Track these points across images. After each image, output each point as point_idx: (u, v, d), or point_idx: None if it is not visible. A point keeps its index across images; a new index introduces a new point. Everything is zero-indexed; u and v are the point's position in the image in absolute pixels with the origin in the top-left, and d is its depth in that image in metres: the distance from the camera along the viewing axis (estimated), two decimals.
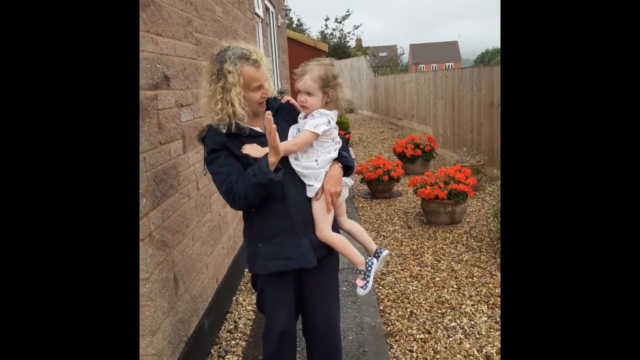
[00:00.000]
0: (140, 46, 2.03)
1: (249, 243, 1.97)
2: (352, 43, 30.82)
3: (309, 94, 1.86)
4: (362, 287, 2.02)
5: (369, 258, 2.04)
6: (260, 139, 1.86)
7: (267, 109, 1.92)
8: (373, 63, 27.69)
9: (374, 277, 2.04)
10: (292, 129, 1.94)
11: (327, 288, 2.01)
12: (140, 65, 2.01)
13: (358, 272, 2.04)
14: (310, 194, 1.87)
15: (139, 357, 1.64)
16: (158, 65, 2.21)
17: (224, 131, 1.82)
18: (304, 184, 1.87)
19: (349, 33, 30.39)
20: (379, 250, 2.09)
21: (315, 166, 1.86)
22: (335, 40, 28.60)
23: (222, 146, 1.83)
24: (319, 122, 1.83)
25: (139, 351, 1.95)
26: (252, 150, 1.81)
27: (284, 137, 1.87)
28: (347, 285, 3.66)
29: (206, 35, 3.07)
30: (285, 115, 1.97)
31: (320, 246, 1.91)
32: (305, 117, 1.90)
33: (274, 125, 1.65)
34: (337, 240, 1.95)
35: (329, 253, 1.97)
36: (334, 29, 30.32)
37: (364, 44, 36.13)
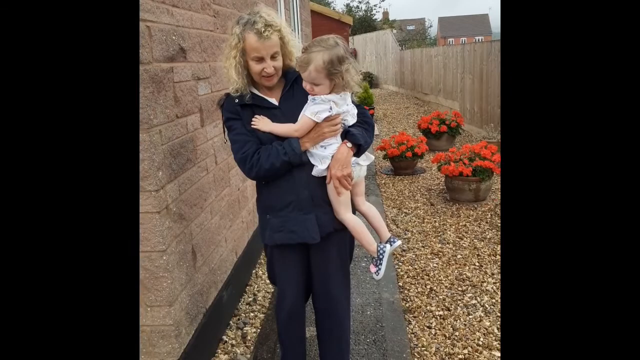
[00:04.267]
0: (155, 17, 2.00)
1: (260, 213, 2.00)
2: (378, 16, 30.16)
3: (315, 84, 1.76)
4: (375, 272, 2.01)
5: (381, 246, 2.00)
6: (272, 111, 1.84)
7: (286, 80, 1.89)
8: (400, 37, 27.09)
9: (386, 262, 2.01)
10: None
11: (330, 265, 1.98)
12: (154, 37, 1.98)
13: (372, 258, 2.03)
14: (314, 173, 1.82)
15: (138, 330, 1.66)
16: (174, 37, 2.18)
17: (236, 100, 1.82)
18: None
19: (375, 6, 29.75)
20: (392, 239, 2.03)
21: (322, 150, 1.82)
22: (361, 13, 28.03)
23: (237, 114, 1.84)
24: (319, 108, 1.76)
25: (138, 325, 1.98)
26: (260, 124, 1.80)
27: (301, 109, 1.83)
28: (365, 261, 3.65)
29: (225, 7, 3.02)
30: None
31: (327, 223, 1.87)
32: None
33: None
34: (352, 224, 1.93)
35: (337, 231, 1.92)
36: (360, 2, 29.70)
37: (391, 17, 35.31)
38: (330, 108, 1.77)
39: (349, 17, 15.47)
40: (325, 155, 1.82)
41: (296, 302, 2.04)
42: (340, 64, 1.73)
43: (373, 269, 2.01)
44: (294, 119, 1.82)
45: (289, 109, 1.84)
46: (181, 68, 2.27)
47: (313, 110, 1.76)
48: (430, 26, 46.78)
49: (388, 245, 2.01)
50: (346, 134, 1.85)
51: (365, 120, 1.96)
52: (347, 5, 28.90)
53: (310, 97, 1.81)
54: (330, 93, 1.79)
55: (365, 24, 26.63)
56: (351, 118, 1.88)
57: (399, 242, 2.04)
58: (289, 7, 6.31)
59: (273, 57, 1.78)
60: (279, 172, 1.81)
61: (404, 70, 16.11)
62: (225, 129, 1.90)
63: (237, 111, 1.84)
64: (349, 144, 1.83)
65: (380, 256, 1.99)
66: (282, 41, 1.81)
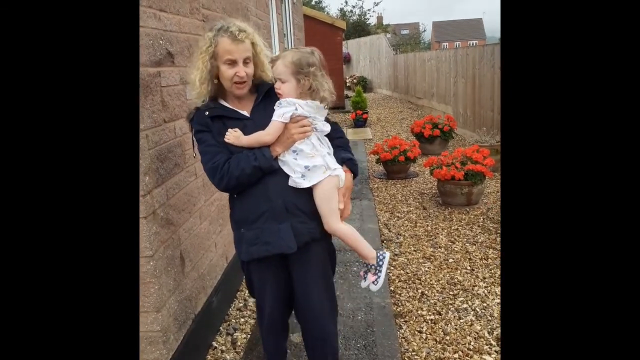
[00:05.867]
0: (142, 22, 1.99)
1: (234, 228, 1.93)
2: (372, 20, 30.29)
3: (282, 80, 1.78)
4: (373, 282, 1.91)
5: (381, 252, 1.94)
6: (243, 122, 1.81)
7: (257, 92, 1.88)
8: (394, 41, 27.20)
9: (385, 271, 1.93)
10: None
11: (310, 277, 1.91)
12: (142, 41, 1.98)
13: (369, 266, 1.93)
14: (291, 184, 1.79)
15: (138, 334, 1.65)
16: (161, 42, 2.18)
17: (206, 113, 1.80)
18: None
19: (369, 10, 29.86)
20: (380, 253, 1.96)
21: (294, 159, 1.79)
22: (355, 18, 28.12)
23: (206, 127, 1.81)
24: (285, 110, 1.76)
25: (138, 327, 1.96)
26: (232, 138, 1.77)
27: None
28: (357, 265, 3.64)
29: (214, 12, 3.02)
30: (276, 99, 1.86)
31: (303, 232, 1.81)
32: None
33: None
34: (346, 233, 1.87)
35: (315, 240, 1.86)
36: (353, 6, 29.80)
37: (385, 22, 35.47)
38: (296, 109, 1.76)
39: (342, 21, 15.49)
40: (297, 163, 1.78)
41: (276, 315, 1.99)
42: (309, 67, 1.76)
43: (372, 277, 1.92)
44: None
45: (261, 119, 1.81)
46: (169, 72, 2.26)
47: (279, 113, 1.76)
48: (424, 30, 47.01)
49: (387, 252, 1.96)
50: (344, 162, 1.88)
51: (343, 137, 1.98)
52: (341, 9, 29.01)
53: (276, 103, 1.80)
54: (298, 98, 1.79)
55: (359, 29, 26.70)
56: (322, 125, 1.85)
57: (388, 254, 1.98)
58: (281, 11, 6.32)
59: (245, 63, 1.78)
60: (250, 180, 1.76)
61: (397, 75, 16.16)
62: (195, 143, 1.87)
63: (207, 123, 1.80)
64: (350, 175, 1.90)
65: (380, 263, 1.91)
66: (254, 49, 1.81)
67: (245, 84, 1.81)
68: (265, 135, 1.77)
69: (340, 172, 1.85)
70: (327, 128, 1.88)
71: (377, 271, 1.92)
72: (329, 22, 13.44)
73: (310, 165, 1.78)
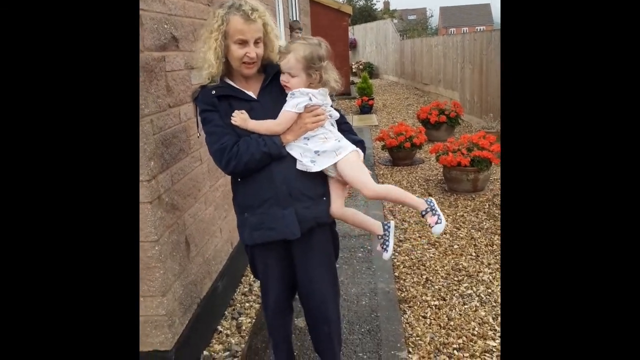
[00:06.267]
0: (146, 5, 1.98)
1: (237, 212, 1.92)
2: (379, 5, 29.96)
3: (291, 74, 1.76)
4: (384, 250, 1.97)
5: (386, 222, 1.99)
6: (250, 104, 1.79)
7: (264, 73, 1.85)
8: (401, 26, 26.88)
9: (393, 239, 1.99)
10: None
11: (313, 263, 1.92)
12: (146, 25, 1.96)
13: (378, 237, 2.00)
14: (299, 167, 1.78)
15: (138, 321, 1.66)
16: (166, 26, 2.16)
17: (213, 92, 1.76)
18: (291, 155, 1.80)
19: None
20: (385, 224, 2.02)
21: (304, 143, 1.79)
22: (361, 3, 27.83)
23: (213, 106, 1.77)
24: (299, 100, 1.74)
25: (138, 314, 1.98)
26: (240, 120, 1.75)
27: (280, 105, 1.79)
28: (362, 251, 3.65)
29: None
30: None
31: (308, 218, 1.81)
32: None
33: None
34: (350, 215, 1.92)
35: (320, 225, 1.87)
36: None
37: (392, 7, 35.07)
38: (310, 99, 1.75)
39: (349, 6, 15.33)
40: (308, 148, 1.78)
41: (280, 299, 2.00)
42: (320, 61, 1.75)
43: (380, 248, 1.98)
44: (272, 113, 1.78)
45: (268, 102, 1.80)
46: (173, 57, 2.25)
47: (293, 103, 1.74)
48: (432, 16, 46.46)
49: (392, 222, 2.01)
50: (354, 143, 1.88)
51: (347, 122, 1.98)
52: None
53: (289, 93, 1.78)
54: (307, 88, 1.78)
55: (366, 14, 26.45)
56: (333, 111, 1.86)
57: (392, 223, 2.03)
58: None
59: (256, 43, 1.74)
60: (258, 166, 1.75)
61: (404, 61, 16.02)
62: (200, 122, 1.83)
63: (213, 103, 1.76)
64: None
65: (387, 233, 1.97)
66: (265, 29, 1.77)
67: (255, 65, 1.78)
68: (276, 126, 1.76)
69: (352, 146, 1.85)
70: (337, 114, 1.88)
71: (385, 240, 1.96)
72: (335, 7, 13.29)
73: (321, 150, 1.78)
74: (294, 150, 1.79)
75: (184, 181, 2.34)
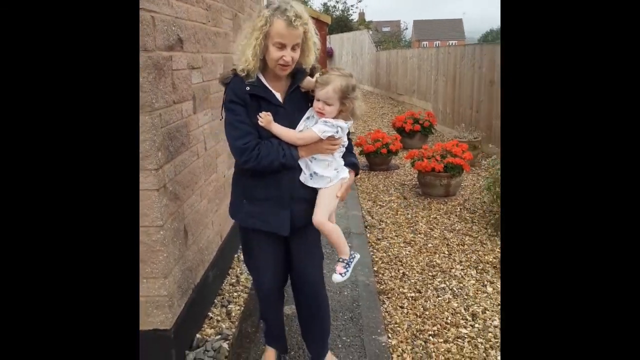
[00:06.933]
0: (158, 8, 2.14)
1: (234, 193, 2.07)
2: (355, 16, 30.48)
3: (327, 104, 1.92)
4: (341, 274, 2.11)
5: (352, 252, 2.17)
6: (277, 108, 1.91)
7: (293, 79, 1.96)
8: (375, 38, 27.42)
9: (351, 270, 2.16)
10: (309, 113, 1.99)
11: (307, 250, 2.12)
12: (157, 26, 2.13)
13: (340, 259, 2.14)
14: (302, 180, 1.97)
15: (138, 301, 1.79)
16: (173, 28, 2.33)
17: (247, 88, 1.86)
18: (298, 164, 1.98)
19: (352, 6, 30.02)
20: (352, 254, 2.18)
21: (309, 161, 1.98)
22: (338, 13, 28.28)
23: (243, 101, 1.86)
24: (327, 129, 1.92)
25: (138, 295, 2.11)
26: (265, 122, 1.87)
27: (301, 113, 1.97)
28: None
29: (216, 2, 3.16)
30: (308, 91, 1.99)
31: (302, 217, 2.00)
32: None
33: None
34: (331, 230, 2.06)
35: (312, 223, 2.04)
36: (337, 1, 29.92)
37: (367, 18, 35.71)
38: (337, 132, 1.94)
39: (327, 16, 15.66)
40: (311, 166, 1.97)
41: (273, 283, 2.18)
42: (353, 91, 1.94)
43: (341, 270, 2.11)
44: (293, 119, 1.94)
45: (292, 109, 1.94)
46: (178, 57, 2.41)
47: (321, 129, 1.91)
48: (406, 28, 47.37)
49: (358, 255, 2.19)
50: (350, 165, 2.10)
51: (350, 142, 2.15)
52: (325, 4, 29.12)
53: (321, 119, 1.94)
54: (337, 117, 1.96)
55: (342, 24, 26.89)
56: (346, 142, 2.08)
57: (358, 256, 2.20)
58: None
59: (293, 48, 1.83)
60: (272, 171, 1.91)
61: (379, 71, 16.41)
62: (224, 108, 1.91)
63: (244, 98, 1.86)
64: (353, 174, 2.12)
65: (351, 260, 2.14)
66: (305, 36, 1.87)
67: (289, 67, 1.87)
68: (298, 139, 1.92)
69: (346, 174, 2.07)
70: (346, 142, 2.08)
71: (347, 265, 2.13)
72: (314, 16, 13.54)
73: (320, 173, 1.99)
74: (301, 162, 1.97)
75: (184, 173, 2.49)
